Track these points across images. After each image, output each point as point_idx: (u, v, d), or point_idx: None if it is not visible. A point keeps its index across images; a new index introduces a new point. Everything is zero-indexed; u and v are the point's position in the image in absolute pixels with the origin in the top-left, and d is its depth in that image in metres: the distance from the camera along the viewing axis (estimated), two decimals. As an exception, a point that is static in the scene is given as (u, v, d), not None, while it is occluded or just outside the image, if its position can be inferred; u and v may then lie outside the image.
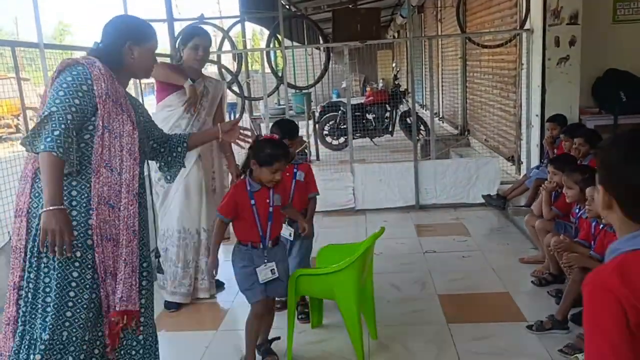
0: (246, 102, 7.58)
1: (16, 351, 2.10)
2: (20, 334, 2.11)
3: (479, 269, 4.23)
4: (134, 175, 2.22)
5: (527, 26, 5.64)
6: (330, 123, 9.99)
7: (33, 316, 2.10)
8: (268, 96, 6.58)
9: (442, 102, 12.55)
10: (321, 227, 5.47)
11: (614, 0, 5.67)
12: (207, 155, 3.79)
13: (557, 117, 5.10)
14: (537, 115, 5.53)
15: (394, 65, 17.94)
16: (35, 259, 2.09)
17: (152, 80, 3.73)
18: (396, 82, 11.15)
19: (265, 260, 2.82)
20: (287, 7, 10.54)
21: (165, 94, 3.66)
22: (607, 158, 1.31)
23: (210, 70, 7.41)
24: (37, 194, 2.12)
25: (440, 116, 12.27)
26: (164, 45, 6.19)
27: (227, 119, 4.54)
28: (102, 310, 2.18)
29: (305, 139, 8.73)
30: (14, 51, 3.36)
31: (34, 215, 2.09)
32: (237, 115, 7.15)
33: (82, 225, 2.10)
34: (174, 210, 3.70)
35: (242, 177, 2.86)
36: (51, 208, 1.99)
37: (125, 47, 2.26)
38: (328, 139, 10.03)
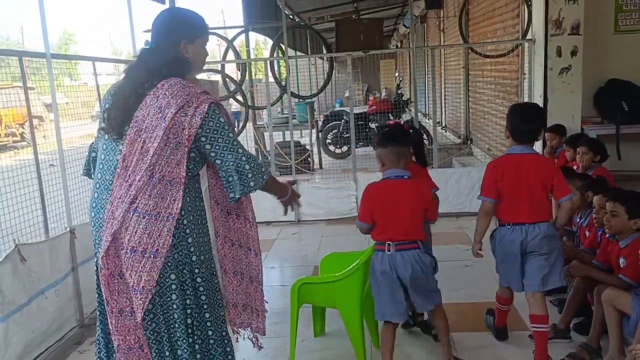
0: (250, 111, 7.62)
1: None
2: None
3: (482, 277, 4.22)
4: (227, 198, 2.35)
5: (529, 36, 5.68)
6: (333, 132, 10.03)
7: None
8: (272, 105, 6.62)
9: (445, 111, 12.58)
10: (324, 235, 5.49)
11: (616, 11, 5.70)
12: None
13: (556, 127, 5.11)
14: (539, 125, 5.53)
15: (396, 74, 17.99)
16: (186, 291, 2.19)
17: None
18: (399, 92, 11.20)
19: None
20: (291, 17, 10.62)
21: None
22: (510, 114, 2.96)
23: (214, 79, 7.44)
24: (178, 240, 2.14)
25: (443, 125, 12.29)
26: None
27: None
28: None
29: (308, 147, 8.76)
30: (21, 61, 3.39)
31: (174, 263, 2.14)
32: (241, 124, 7.18)
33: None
34: None
35: None
36: (288, 196, 2.41)
37: (181, 47, 2.19)
38: (331, 147, 10.06)
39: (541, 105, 5.42)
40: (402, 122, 3.65)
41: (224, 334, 2.32)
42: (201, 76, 6.78)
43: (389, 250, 2.74)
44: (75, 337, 3.53)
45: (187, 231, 2.16)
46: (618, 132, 5.42)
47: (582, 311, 3.21)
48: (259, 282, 2.47)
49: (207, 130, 2.08)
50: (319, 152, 9.52)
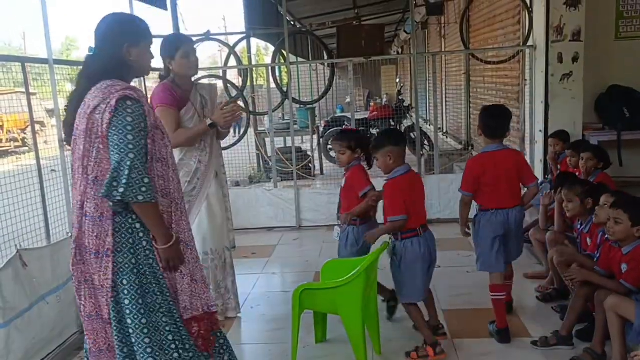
0: (251, 116, 7.64)
1: None
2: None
3: (484, 284, 4.16)
4: (180, 191, 2.31)
5: (530, 42, 5.69)
6: (332, 137, 10.01)
7: (128, 342, 2.19)
8: (273, 111, 6.63)
9: (446, 117, 12.60)
10: (325, 241, 5.48)
11: (617, 18, 5.71)
12: (219, 169, 3.69)
13: (559, 133, 5.11)
14: (540, 131, 5.54)
15: (397, 80, 18.02)
16: (125, 291, 2.15)
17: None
18: (400, 98, 11.21)
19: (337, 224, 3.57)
20: (292, 23, 10.66)
21: None
22: (481, 115, 3.34)
23: (213, 82, 7.45)
24: (118, 230, 2.14)
25: (444, 131, 12.31)
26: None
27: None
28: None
29: (309, 153, 8.77)
30: (24, 67, 3.40)
31: (120, 251, 2.14)
32: (242, 130, 7.20)
33: (151, 251, 2.19)
34: (196, 232, 3.42)
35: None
36: (169, 245, 2.18)
37: (124, 49, 2.20)
38: (332, 153, 10.05)
39: (543, 111, 5.44)
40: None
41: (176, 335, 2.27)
42: (204, 82, 6.82)
43: (421, 234, 3.21)
44: (76, 343, 3.52)
45: (141, 235, 2.16)
46: (619, 139, 5.42)
47: (584, 317, 3.20)
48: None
49: (113, 127, 2.06)
50: (320, 158, 9.53)
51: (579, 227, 3.57)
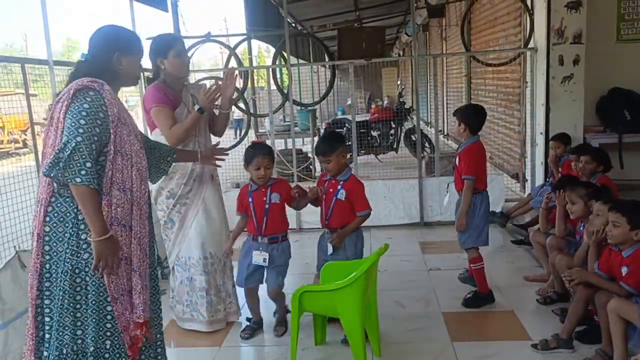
0: (252, 118, 7.63)
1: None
2: (47, 346, 2.19)
3: (484, 286, 4.20)
4: (143, 193, 2.28)
5: (531, 45, 5.68)
6: (315, 149, 9.98)
7: (60, 332, 2.16)
8: (274, 113, 6.63)
9: (447, 119, 12.59)
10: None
11: (618, 20, 5.71)
12: (215, 171, 3.64)
13: (560, 135, 5.11)
14: (541, 134, 5.54)
15: (398, 82, 18.02)
16: (54, 279, 2.16)
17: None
18: (401, 100, 11.20)
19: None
20: (293, 25, 10.65)
21: None
22: (467, 114, 3.79)
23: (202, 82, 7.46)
24: (50, 219, 2.16)
25: (445, 133, 12.30)
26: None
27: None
28: (120, 326, 2.20)
29: (309, 155, 8.76)
30: (23, 68, 3.41)
31: (48, 239, 2.16)
32: (243, 131, 7.19)
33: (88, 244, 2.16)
34: (195, 237, 3.49)
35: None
36: (103, 238, 2.09)
37: (114, 57, 2.28)
38: (333, 155, 10.04)
39: (544, 114, 5.43)
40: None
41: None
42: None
43: None
44: (75, 344, 3.51)
45: (82, 227, 2.15)
46: (620, 141, 5.42)
47: (584, 320, 3.19)
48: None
49: (69, 112, 2.11)
50: (321, 160, 9.50)
51: (581, 229, 3.56)
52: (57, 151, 2.05)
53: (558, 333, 3.16)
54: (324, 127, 10.33)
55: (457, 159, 3.82)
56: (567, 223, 3.76)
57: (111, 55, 2.27)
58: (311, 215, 6.04)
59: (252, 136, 8.03)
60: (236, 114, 14.13)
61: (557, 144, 5.05)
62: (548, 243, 3.89)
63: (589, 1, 5.20)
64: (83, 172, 2.04)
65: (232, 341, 3.54)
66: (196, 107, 3.33)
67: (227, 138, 7.79)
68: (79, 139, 2.05)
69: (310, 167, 8.40)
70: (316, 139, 9.30)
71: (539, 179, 5.65)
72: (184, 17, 6.40)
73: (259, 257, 3.39)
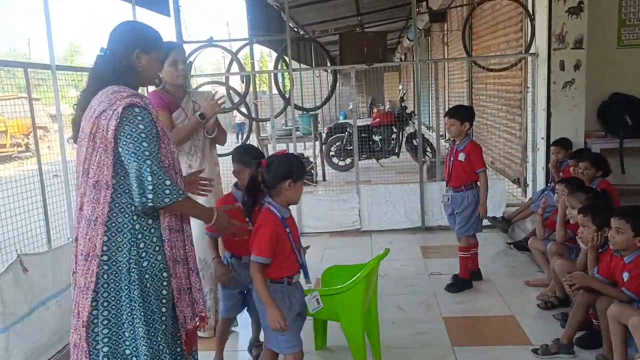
0: (254, 123, 7.65)
1: None
2: None
3: (485, 291, 4.21)
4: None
5: (532, 50, 5.69)
6: (337, 144, 10.04)
7: (117, 348, 2.17)
8: (275, 117, 6.64)
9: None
10: (326, 247, 5.48)
11: (619, 25, 5.72)
12: (214, 175, 3.60)
13: (561, 140, 5.11)
14: (542, 138, 5.54)
15: (400, 87, 18.04)
16: (113, 297, 2.14)
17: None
18: (403, 104, 11.22)
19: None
20: (295, 29, 10.69)
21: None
22: (469, 115, 4.19)
23: (220, 91, 7.48)
24: (108, 238, 2.12)
25: (447, 138, 12.30)
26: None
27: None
28: (179, 322, 2.27)
29: (311, 159, 8.77)
30: (26, 72, 3.42)
31: (106, 258, 2.12)
32: (245, 136, 7.21)
33: (157, 255, 2.18)
34: None
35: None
36: (214, 220, 2.27)
37: (134, 54, 2.22)
38: (334, 159, 10.08)
39: (545, 119, 5.44)
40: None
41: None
42: (207, 88, 6.84)
43: None
44: (76, 348, 3.51)
45: (139, 236, 2.14)
46: (621, 146, 5.42)
47: (584, 325, 3.19)
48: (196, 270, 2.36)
49: (122, 133, 2.06)
50: (322, 164, 9.54)
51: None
52: (135, 179, 2.04)
53: (559, 338, 3.16)
54: (325, 131, 10.36)
55: (462, 155, 4.11)
56: (567, 229, 3.76)
57: (131, 52, 2.21)
58: (313, 219, 6.07)
59: (254, 140, 8.05)
60: (238, 118, 14.16)
61: (558, 149, 5.05)
62: (548, 249, 3.89)
63: (590, 6, 5.21)
64: (167, 192, 2.06)
65: (233, 344, 3.54)
66: (197, 113, 3.36)
67: (230, 142, 7.82)
68: (148, 162, 2.04)
69: (312, 171, 8.41)
70: (317, 143, 9.36)
71: (540, 184, 5.65)
72: (186, 22, 6.44)
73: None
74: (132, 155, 2.05)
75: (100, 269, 2.12)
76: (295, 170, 2.50)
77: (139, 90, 2.31)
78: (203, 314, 2.32)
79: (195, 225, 3.39)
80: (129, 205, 2.13)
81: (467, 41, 7.19)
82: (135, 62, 2.23)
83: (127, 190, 2.12)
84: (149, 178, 2.04)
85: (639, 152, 5.57)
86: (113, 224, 2.13)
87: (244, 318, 3.73)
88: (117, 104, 2.08)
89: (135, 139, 2.06)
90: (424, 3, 11.16)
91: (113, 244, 2.13)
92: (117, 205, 2.13)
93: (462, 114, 4.19)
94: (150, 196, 2.05)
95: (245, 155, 3.01)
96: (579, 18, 5.18)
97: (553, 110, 5.38)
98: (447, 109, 4.85)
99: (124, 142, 2.06)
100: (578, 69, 5.28)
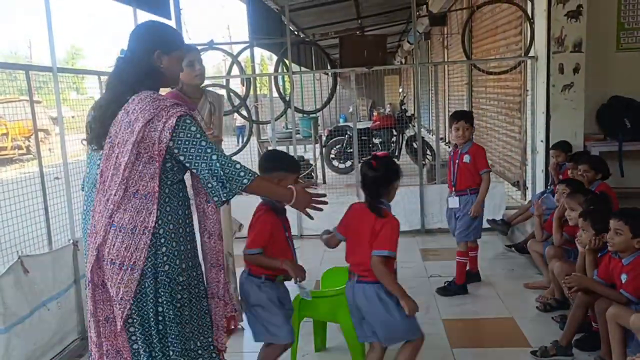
0: (254, 125, 7.67)
1: None
2: None
3: (484, 294, 4.22)
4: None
5: (531, 53, 5.71)
6: (337, 147, 10.06)
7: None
8: (275, 120, 6.66)
9: (448, 127, 12.60)
10: (326, 250, 5.46)
11: (618, 29, 5.74)
12: None
13: (561, 143, 5.12)
14: (542, 141, 5.56)
15: (400, 90, 18.07)
16: (151, 307, 2.14)
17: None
18: (403, 107, 11.24)
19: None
20: (296, 33, 10.71)
21: None
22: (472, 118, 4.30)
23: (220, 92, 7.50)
24: (153, 251, 2.12)
25: (447, 141, 12.31)
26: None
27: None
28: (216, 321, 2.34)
29: (311, 162, 8.79)
30: (28, 75, 3.43)
31: (151, 273, 2.12)
32: (245, 139, 7.22)
33: (175, 260, 2.19)
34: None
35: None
36: (294, 198, 2.30)
37: (154, 55, 2.21)
38: (334, 162, 10.09)
39: (545, 122, 5.46)
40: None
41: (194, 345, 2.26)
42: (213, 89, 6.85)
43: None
44: (76, 350, 3.53)
45: (162, 241, 2.15)
46: (621, 149, 5.44)
47: (583, 327, 3.20)
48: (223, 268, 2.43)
49: (179, 142, 2.08)
50: (323, 167, 9.55)
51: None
52: (212, 178, 2.09)
53: (557, 340, 3.17)
54: (325, 134, 10.39)
55: (467, 157, 4.15)
56: (563, 231, 3.80)
57: (152, 53, 2.20)
58: (313, 222, 6.06)
59: (254, 143, 8.07)
60: (238, 121, 14.18)
61: (557, 152, 5.07)
62: (546, 252, 3.91)
63: (589, 10, 5.23)
64: (242, 174, 2.11)
65: (233, 346, 3.54)
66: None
67: (230, 145, 7.83)
68: (214, 157, 2.09)
69: (312, 174, 8.43)
70: (318, 146, 9.39)
71: (540, 187, 5.66)
72: (187, 25, 6.44)
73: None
74: (198, 158, 2.10)
75: (142, 276, 2.11)
76: (399, 171, 2.76)
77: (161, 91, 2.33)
78: (234, 313, 2.40)
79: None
80: (177, 209, 2.18)
81: (466, 44, 7.21)
82: (157, 63, 2.22)
83: (176, 197, 2.18)
84: (222, 170, 2.10)
85: (638, 155, 5.59)
86: (156, 232, 2.13)
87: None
88: (163, 114, 2.08)
89: (194, 142, 2.10)
90: (424, 6, 11.20)
91: (154, 251, 2.13)
92: (163, 214, 2.14)
93: (472, 118, 4.36)
94: (230, 185, 2.11)
95: (277, 161, 2.86)
96: (578, 21, 5.20)
97: (552, 113, 5.40)
98: (447, 112, 4.88)
99: (184, 149, 2.09)
100: (577, 72, 5.29)
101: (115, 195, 2.09)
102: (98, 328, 2.18)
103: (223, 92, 6.68)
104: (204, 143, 2.10)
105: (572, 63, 5.28)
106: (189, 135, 2.09)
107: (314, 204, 2.42)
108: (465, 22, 7.62)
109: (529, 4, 5.78)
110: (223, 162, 2.10)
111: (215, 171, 2.09)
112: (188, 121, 2.11)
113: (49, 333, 3.28)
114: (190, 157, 2.10)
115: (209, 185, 2.11)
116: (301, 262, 5.36)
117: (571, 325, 3.15)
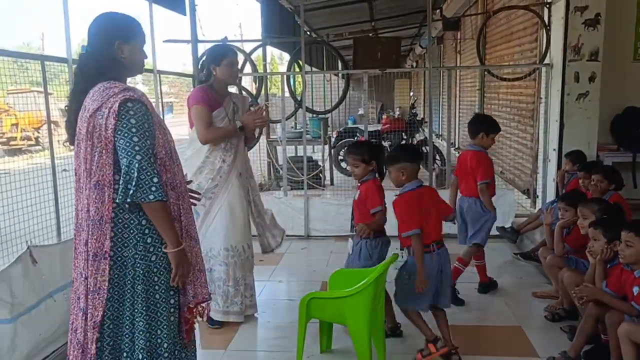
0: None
1: None
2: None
3: (492, 301, 4.18)
4: (184, 185, 2.34)
5: (547, 61, 5.67)
6: (346, 149, 10.02)
7: (118, 342, 2.19)
8: (286, 119, 6.64)
9: (459, 132, 12.56)
10: (334, 252, 5.46)
11: (636, 39, 5.69)
12: (244, 171, 3.80)
13: (573, 153, 5.08)
14: (554, 150, 5.51)
15: (411, 94, 18.03)
16: (117, 292, 2.17)
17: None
18: (413, 111, 11.21)
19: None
20: (309, 33, 10.70)
21: None
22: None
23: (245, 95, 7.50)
24: (115, 234, 2.14)
25: (456, 146, 12.27)
26: (187, 65, 6.28)
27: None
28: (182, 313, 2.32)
29: (320, 163, 8.77)
30: (43, 65, 3.43)
31: (112, 254, 2.14)
32: (256, 136, 7.22)
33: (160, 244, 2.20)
34: (218, 229, 3.63)
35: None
36: (179, 248, 2.18)
37: (115, 46, 2.19)
38: (343, 164, 10.05)
39: (558, 130, 5.42)
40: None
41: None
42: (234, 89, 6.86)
43: (434, 250, 3.23)
44: (81, 342, 3.51)
45: (146, 231, 2.16)
46: (634, 160, 5.39)
47: (592, 339, 3.16)
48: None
49: (119, 131, 2.06)
50: (331, 168, 9.53)
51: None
52: (123, 175, 2.05)
53: (566, 351, 3.13)
54: (334, 135, 10.37)
55: (474, 162, 4.09)
56: (565, 242, 3.81)
57: (112, 45, 2.19)
58: (320, 222, 6.06)
59: (263, 141, 8.06)
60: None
61: (567, 160, 5.04)
62: (547, 262, 3.91)
63: (607, 19, 5.18)
64: (153, 189, 2.05)
65: (239, 344, 3.54)
66: (237, 123, 3.60)
67: (254, 143, 7.81)
68: (138, 157, 2.04)
69: (320, 175, 8.40)
70: (327, 147, 9.36)
71: (550, 195, 5.61)
72: (201, 22, 6.44)
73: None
74: (123, 151, 2.06)
75: (113, 269, 2.14)
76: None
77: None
78: (192, 305, 2.34)
79: (225, 213, 3.63)
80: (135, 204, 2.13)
81: (481, 50, 7.17)
82: (118, 54, 2.21)
83: None
84: (137, 173, 2.04)
85: (651, 167, 5.54)
86: (120, 221, 2.14)
87: (261, 306, 3.74)
88: (110, 101, 2.07)
89: (126, 134, 2.06)
90: (438, 11, 11.16)
91: (119, 239, 2.14)
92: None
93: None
94: (131, 192, 2.04)
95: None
96: (595, 30, 5.16)
97: (566, 122, 5.35)
98: (458, 117, 4.86)
99: (117, 138, 2.07)
100: (593, 81, 5.25)
101: (86, 189, 2.14)
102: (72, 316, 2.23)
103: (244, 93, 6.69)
104: (135, 139, 2.05)
105: (588, 72, 5.23)
106: (124, 125, 2.06)
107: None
108: (481, 27, 7.58)
109: (546, 10, 5.73)
110: (143, 167, 2.05)
111: (131, 170, 2.04)
112: (130, 107, 2.07)
113: (55, 324, 3.27)
114: (119, 146, 2.07)
115: (121, 180, 2.06)
116: (308, 263, 5.39)
117: (580, 336, 3.11)
